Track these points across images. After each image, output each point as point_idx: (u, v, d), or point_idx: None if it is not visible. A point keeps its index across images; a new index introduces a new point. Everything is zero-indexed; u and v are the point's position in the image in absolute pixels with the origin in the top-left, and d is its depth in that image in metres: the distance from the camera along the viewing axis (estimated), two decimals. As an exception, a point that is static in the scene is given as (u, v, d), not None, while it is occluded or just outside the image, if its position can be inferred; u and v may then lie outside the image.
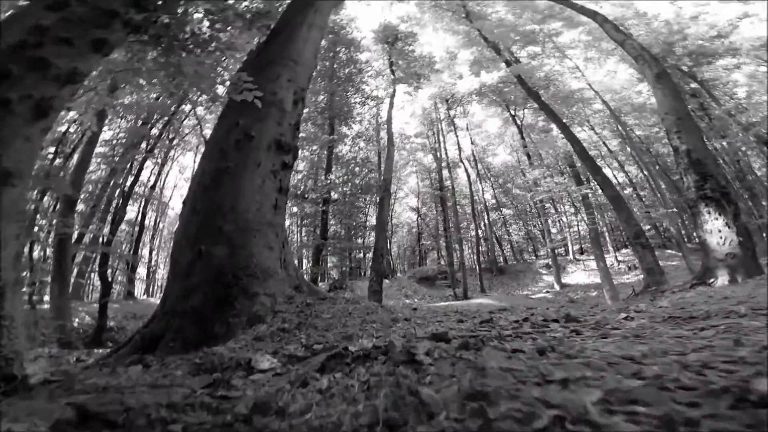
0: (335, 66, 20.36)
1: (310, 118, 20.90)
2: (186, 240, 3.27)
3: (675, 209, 19.58)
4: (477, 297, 19.80)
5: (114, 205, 16.25)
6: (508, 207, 35.12)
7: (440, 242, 28.79)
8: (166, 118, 16.25)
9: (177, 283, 3.04)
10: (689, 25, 15.86)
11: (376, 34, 20.23)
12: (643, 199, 25.52)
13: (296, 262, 29.00)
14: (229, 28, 4.66)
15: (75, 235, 12.08)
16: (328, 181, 20.10)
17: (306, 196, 20.78)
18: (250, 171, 3.76)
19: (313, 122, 20.95)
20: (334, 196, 21.27)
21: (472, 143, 31.47)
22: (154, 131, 16.70)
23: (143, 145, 16.00)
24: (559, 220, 30.69)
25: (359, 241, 25.74)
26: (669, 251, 22.81)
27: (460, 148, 29.32)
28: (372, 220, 24.79)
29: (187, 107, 15.57)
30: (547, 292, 21.98)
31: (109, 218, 15.40)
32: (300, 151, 22.78)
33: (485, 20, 17.33)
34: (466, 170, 28.91)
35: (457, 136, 29.46)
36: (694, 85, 17.41)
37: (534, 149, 26.11)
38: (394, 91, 19.93)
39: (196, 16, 4.49)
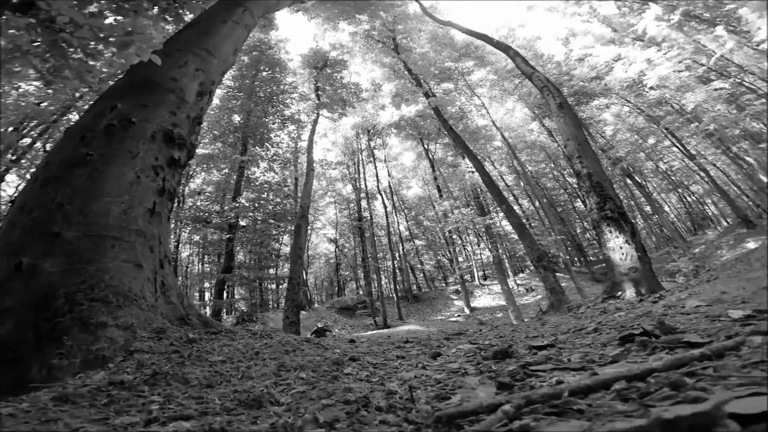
0: (256, 84, 19.21)
1: (221, 136, 19.14)
2: (3, 249, 2.15)
3: (561, 237, 22.32)
4: (398, 324, 20.18)
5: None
6: (420, 238, 36.56)
7: (358, 272, 28.60)
8: (43, 126, 13.31)
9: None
10: (575, 66, 18.84)
11: (305, 58, 19.99)
12: (533, 227, 28.84)
13: (197, 294, 25.79)
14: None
15: None
16: (237, 205, 18.19)
17: (209, 220, 18.50)
18: (119, 163, 2.78)
19: (224, 141, 19.17)
20: (243, 222, 19.33)
21: (389, 175, 32.37)
22: (27, 140, 13.58)
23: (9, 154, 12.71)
24: (464, 249, 33.11)
25: (271, 271, 23.79)
26: (558, 274, 25.94)
27: (378, 180, 29.80)
28: (286, 249, 23.37)
29: (74, 116, 13.04)
30: (458, 316, 22.96)
31: None
32: (206, 173, 20.79)
33: (410, 53, 18.49)
34: (383, 202, 29.37)
35: (375, 168, 29.98)
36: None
37: (443, 182, 27.86)
38: (318, 115, 19.49)
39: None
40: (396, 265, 27.69)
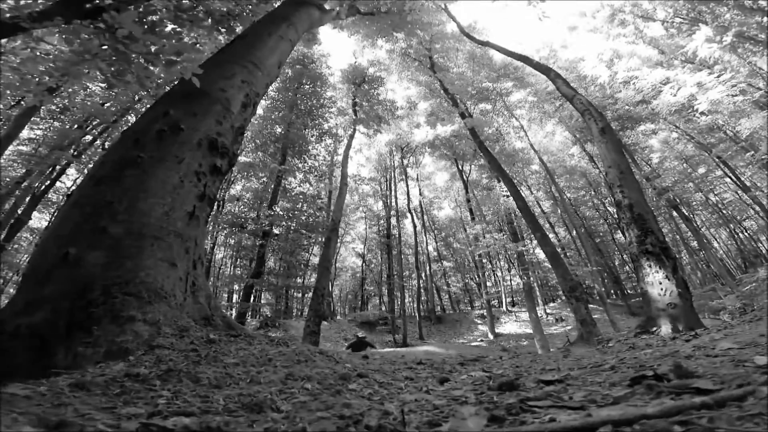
0: (298, 96, 20.10)
1: (262, 146, 20.10)
2: (54, 240, 2.37)
3: (597, 268, 21.16)
4: (417, 344, 19.96)
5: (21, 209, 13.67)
6: (449, 259, 35.99)
7: (383, 288, 28.54)
8: (104, 125, 14.60)
9: (22, 294, 2.11)
10: (620, 89, 18.11)
11: (345, 73, 20.48)
12: (569, 257, 27.59)
13: (226, 295, 26.71)
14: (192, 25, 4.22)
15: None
16: (272, 213, 18.85)
17: (245, 226, 19.28)
18: (165, 167, 3.01)
19: (264, 150, 20.10)
20: (276, 230, 19.97)
21: (420, 194, 32.36)
22: (89, 137, 14.89)
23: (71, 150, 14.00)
24: (494, 274, 32.34)
25: (298, 280, 24.32)
26: (591, 306, 24.64)
27: (409, 198, 29.86)
28: (315, 260, 23.83)
29: (132, 118, 14.23)
30: (482, 340, 22.75)
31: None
32: (246, 180, 21.79)
33: (447, 72, 18.44)
34: (413, 220, 29.35)
35: (407, 186, 30.11)
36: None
37: (476, 205, 27.41)
38: (354, 130, 19.99)
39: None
40: (421, 285, 27.46)
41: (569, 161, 26.05)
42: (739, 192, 21.56)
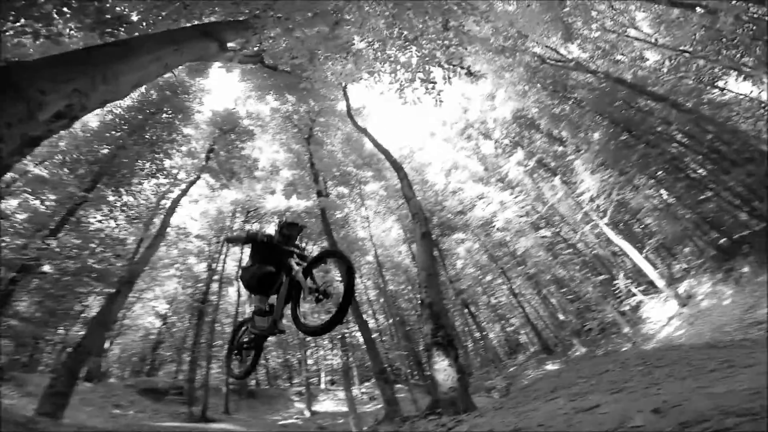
0: (149, 122, 17.03)
1: (72, 163, 15.86)
2: None
3: (406, 352, 23.53)
4: (221, 419, 18.76)
5: None
6: (272, 334, 33.78)
7: (183, 355, 25.43)
8: None
9: None
10: (448, 198, 21.73)
11: (216, 115, 18.70)
12: (384, 341, 29.92)
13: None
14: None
15: None
16: (46, 246, 14.12)
17: (-2, 252, 13.80)
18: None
19: (73, 168, 15.85)
20: (47, 267, 14.98)
21: (255, 265, 30.55)
22: None
23: None
24: (316, 352, 32.95)
25: (60, 331, 18.51)
26: (399, 385, 27.09)
27: (240, 266, 27.73)
28: (91, 312, 18.68)
29: None
30: (297, 418, 22.73)
31: None
32: (30, 197, 16.07)
33: (321, 147, 18.66)
34: (239, 290, 27.05)
35: (242, 252, 28.18)
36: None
37: (309, 286, 27.48)
38: (198, 178, 18.16)
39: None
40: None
41: (397, 257, 29.77)
42: (511, 297, 28.50)
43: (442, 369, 7.33)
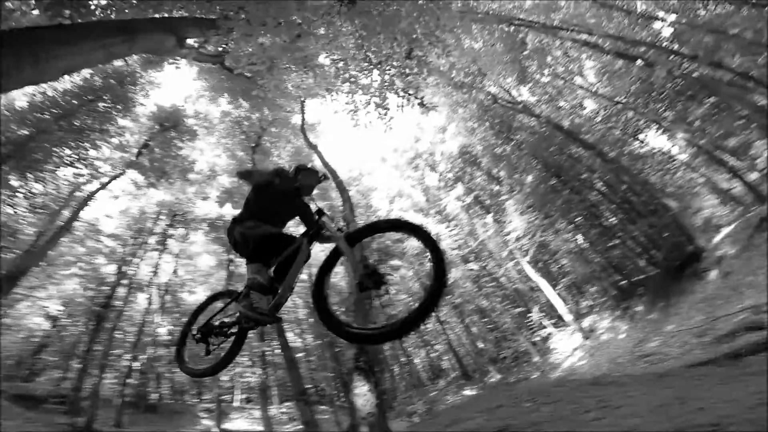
0: (84, 109, 15.25)
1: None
2: None
3: (332, 374, 23.16)
4: None
5: None
6: (182, 345, 30.83)
7: (71, 363, 23.56)
8: None
9: None
10: None
11: (160, 110, 17.23)
12: (311, 361, 29.56)
13: None
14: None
15: None
16: None
17: None
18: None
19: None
20: None
21: (174, 272, 28.01)
22: None
23: None
24: (230, 369, 30.21)
25: None
26: (324, 407, 26.95)
27: (156, 272, 25.37)
28: None
29: None
30: None
31: None
32: None
33: (266, 158, 17.65)
34: (150, 297, 24.64)
35: (160, 259, 25.87)
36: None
37: (233, 301, 26.11)
38: (123, 173, 16.66)
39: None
40: (138, 367, 23.40)
41: (333, 278, 29.63)
42: (437, 324, 29.42)
43: (362, 394, 7.54)
